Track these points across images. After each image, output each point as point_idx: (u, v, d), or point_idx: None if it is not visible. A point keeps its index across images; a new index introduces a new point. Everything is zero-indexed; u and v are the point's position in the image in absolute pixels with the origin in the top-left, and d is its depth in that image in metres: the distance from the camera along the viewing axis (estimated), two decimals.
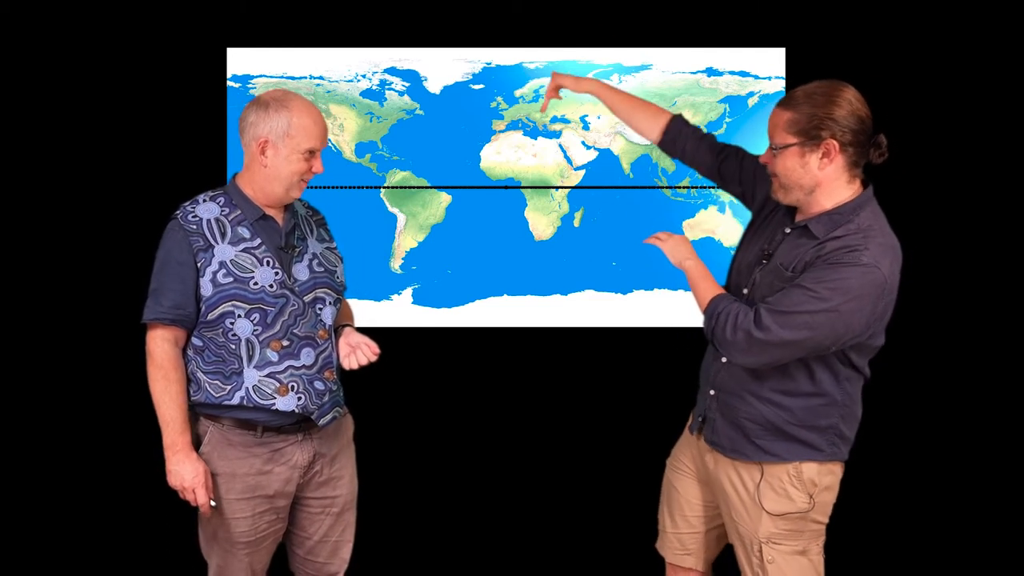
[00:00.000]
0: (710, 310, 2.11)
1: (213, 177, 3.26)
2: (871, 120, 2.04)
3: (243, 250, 2.15)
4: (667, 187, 3.36)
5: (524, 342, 3.39)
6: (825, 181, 2.04)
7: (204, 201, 2.18)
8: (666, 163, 3.36)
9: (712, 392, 2.24)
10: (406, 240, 3.37)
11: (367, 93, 3.33)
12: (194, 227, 2.14)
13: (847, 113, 2.00)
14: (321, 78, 3.31)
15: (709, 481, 2.31)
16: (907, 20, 3.24)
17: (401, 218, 3.37)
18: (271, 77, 3.30)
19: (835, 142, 2.00)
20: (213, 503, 2.16)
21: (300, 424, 2.23)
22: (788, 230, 2.14)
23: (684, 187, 3.36)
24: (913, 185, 3.17)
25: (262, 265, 2.15)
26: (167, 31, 3.23)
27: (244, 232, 2.16)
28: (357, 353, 2.23)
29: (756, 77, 3.30)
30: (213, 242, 2.14)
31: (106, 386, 3.28)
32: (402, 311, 3.38)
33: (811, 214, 2.09)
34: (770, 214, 2.25)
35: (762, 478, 2.16)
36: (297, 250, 2.23)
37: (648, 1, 3.30)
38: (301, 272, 2.22)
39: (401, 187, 3.35)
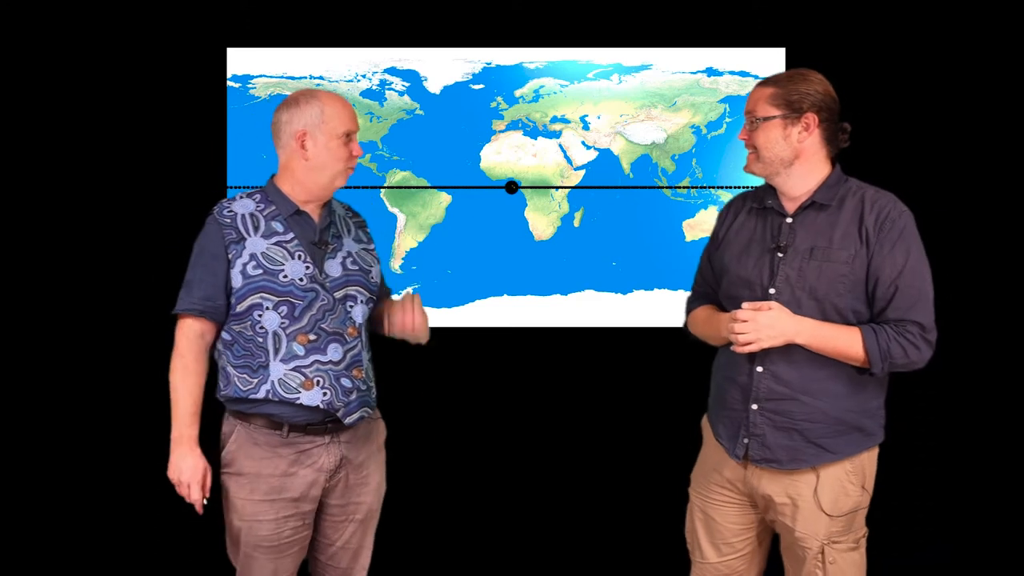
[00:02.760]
0: (873, 356, 2.05)
1: (213, 177, 3.26)
2: (839, 104, 2.17)
3: (275, 243, 2.17)
4: (667, 187, 3.37)
5: (524, 342, 3.39)
6: (804, 154, 2.13)
7: (240, 198, 2.22)
8: (666, 163, 3.36)
9: (755, 407, 2.15)
10: (406, 240, 3.37)
11: (367, 93, 3.33)
12: (228, 221, 2.17)
13: (823, 91, 2.13)
14: (321, 78, 3.31)
15: (755, 500, 2.24)
16: (907, 20, 3.24)
17: (401, 218, 3.37)
18: (271, 77, 3.30)
19: (814, 115, 2.11)
20: (206, 502, 2.15)
21: (327, 425, 2.22)
22: (790, 219, 2.16)
23: (684, 187, 3.36)
24: (913, 184, 3.17)
25: (293, 258, 2.17)
26: (167, 31, 3.23)
27: (277, 226, 2.19)
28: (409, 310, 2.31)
29: (756, 77, 3.30)
30: (245, 235, 2.16)
31: (106, 386, 3.28)
32: None
33: (797, 195, 2.16)
34: (729, 230, 2.29)
35: (818, 481, 2.13)
36: (331, 247, 2.24)
37: (648, 1, 3.30)
38: (333, 268, 2.23)
39: (401, 187, 3.35)
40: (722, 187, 3.34)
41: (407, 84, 3.34)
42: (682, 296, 3.33)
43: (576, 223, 3.38)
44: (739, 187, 3.32)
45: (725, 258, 2.26)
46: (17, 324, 3.27)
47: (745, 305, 2.08)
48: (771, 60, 3.30)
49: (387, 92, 3.34)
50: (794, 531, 2.15)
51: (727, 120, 3.34)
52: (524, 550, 3.42)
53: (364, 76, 3.33)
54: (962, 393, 3.33)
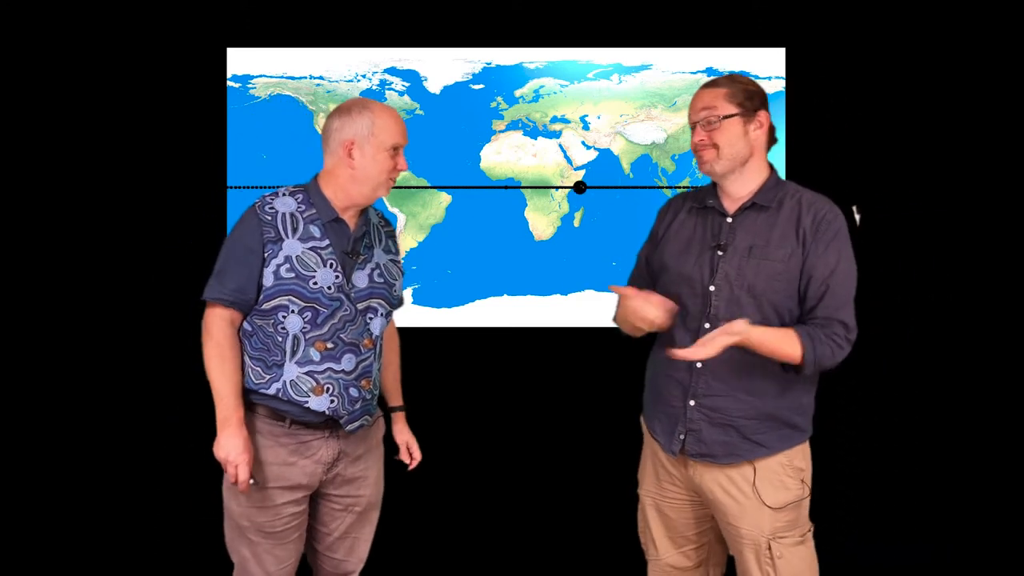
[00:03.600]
0: (808, 358, 2.09)
1: (213, 177, 3.26)
2: None
3: (310, 248, 2.20)
4: (667, 187, 3.37)
5: (524, 342, 3.39)
6: (756, 151, 2.20)
7: (284, 195, 2.24)
8: (666, 163, 3.36)
9: (692, 403, 2.21)
10: (406, 240, 3.37)
11: (367, 93, 3.33)
12: (269, 218, 2.19)
13: (762, 91, 2.22)
14: (321, 78, 3.32)
15: (700, 494, 2.29)
16: (907, 20, 3.24)
17: (401, 218, 3.37)
18: (271, 77, 3.30)
19: (766, 113, 2.20)
20: (253, 482, 2.18)
21: (328, 422, 2.26)
22: (730, 219, 2.21)
23: (684, 187, 3.36)
24: (913, 183, 3.18)
25: (325, 266, 2.20)
26: (167, 31, 3.23)
27: (315, 231, 2.21)
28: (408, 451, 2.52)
29: (756, 77, 3.30)
30: (284, 236, 2.18)
31: (106, 386, 3.28)
32: (402, 311, 3.37)
33: (739, 196, 2.21)
34: (669, 229, 2.32)
35: (755, 475, 2.18)
36: (362, 257, 2.28)
37: (648, 1, 3.30)
38: (361, 280, 2.26)
39: (401, 187, 3.36)
40: None
41: (407, 84, 3.34)
42: None
43: (576, 223, 3.38)
44: None
45: (665, 256, 2.30)
46: (18, 322, 3.27)
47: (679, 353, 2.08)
48: (771, 60, 3.30)
49: (387, 92, 3.34)
50: (740, 528, 2.20)
51: None
52: (522, 549, 3.42)
53: (364, 76, 3.33)
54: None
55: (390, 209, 3.36)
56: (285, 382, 2.19)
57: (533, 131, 3.36)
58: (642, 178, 3.37)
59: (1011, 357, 3.33)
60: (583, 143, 3.36)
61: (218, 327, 2.19)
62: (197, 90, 3.26)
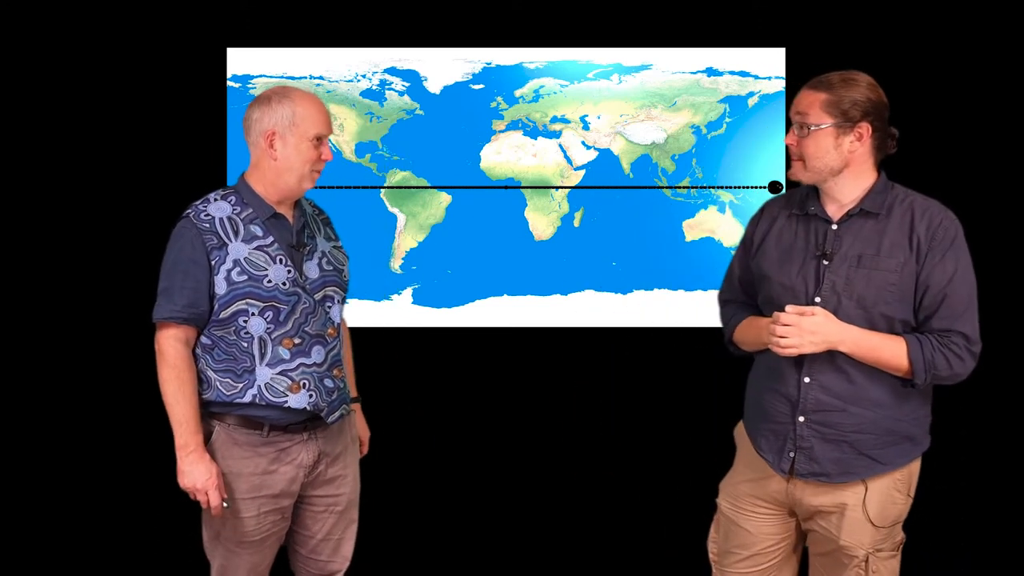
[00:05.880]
0: (917, 366, 2.02)
1: (213, 177, 3.26)
2: (889, 109, 2.12)
3: (256, 248, 2.16)
4: (667, 187, 3.36)
5: (524, 342, 3.39)
6: (853, 162, 2.08)
7: (215, 200, 2.19)
8: (666, 163, 3.36)
9: (802, 419, 2.10)
10: (406, 240, 3.37)
11: (367, 93, 3.33)
12: (207, 226, 2.14)
13: (876, 98, 2.08)
14: (321, 78, 3.31)
15: (794, 510, 2.20)
16: (907, 20, 3.24)
17: (401, 218, 3.37)
18: (271, 77, 3.30)
19: (868, 125, 2.06)
20: (226, 504, 2.16)
21: (306, 423, 2.24)
22: (835, 226, 2.11)
23: (684, 187, 3.36)
24: (913, 183, 3.17)
25: (275, 263, 2.17)
26: (167, 31, 3.23)
27: (257, 230, 2.17)
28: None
29: (756, 77, 3.30)
30: (227, 240, 2.14)
31: (107, 385, 3.28)
32: (402, 311, 3.38)
33: (844, 201, 2.11)
34: (766, 236, 2.22)
35: (867, 492, 2.10)
36: (307, 248, 2.25)
37: (648, 1, 3.30)
38: (312, 270, 2.24)
39: (401, 187, 3.35)
40: (722, 187, 3.34)
41: (407, 84, 3.34)
42: (682, 296, 3.34)
43: (576, 223, 3.38)
44: (739, 187, 3.32)
45: (764, 265, 2.19)
46: (16, 323, 3.27)
47: (789, 308, 2.03)
48: (771, 60, 3.30)
49: (387, 92, 3.34)
50: (839, 540, 2.12)
51: (727, 120, 3.34)
52: (522, 549, 3.42)
53: (364, 76, 3.33)
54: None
55: (390, 209, 3.36)
56: (260, 386, 2.16)
57: (533, 131, 3.36)
58: (642, 178, 3.37)
59: None
60: (583, 143, 3.36)
61: (172, 348, 2.14)
62: (197, 90, 3.26)
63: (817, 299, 2.08)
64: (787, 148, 2.14)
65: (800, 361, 2.09)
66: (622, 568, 3.36)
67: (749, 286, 2.29)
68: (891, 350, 2.03)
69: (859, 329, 2.04)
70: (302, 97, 2.18)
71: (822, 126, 2.05)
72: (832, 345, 2.02)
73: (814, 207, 2.14)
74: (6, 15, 3.18)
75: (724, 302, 2.38)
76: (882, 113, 2.09)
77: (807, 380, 2.09)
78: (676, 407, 3.37)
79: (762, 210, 2.30)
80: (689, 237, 3.36)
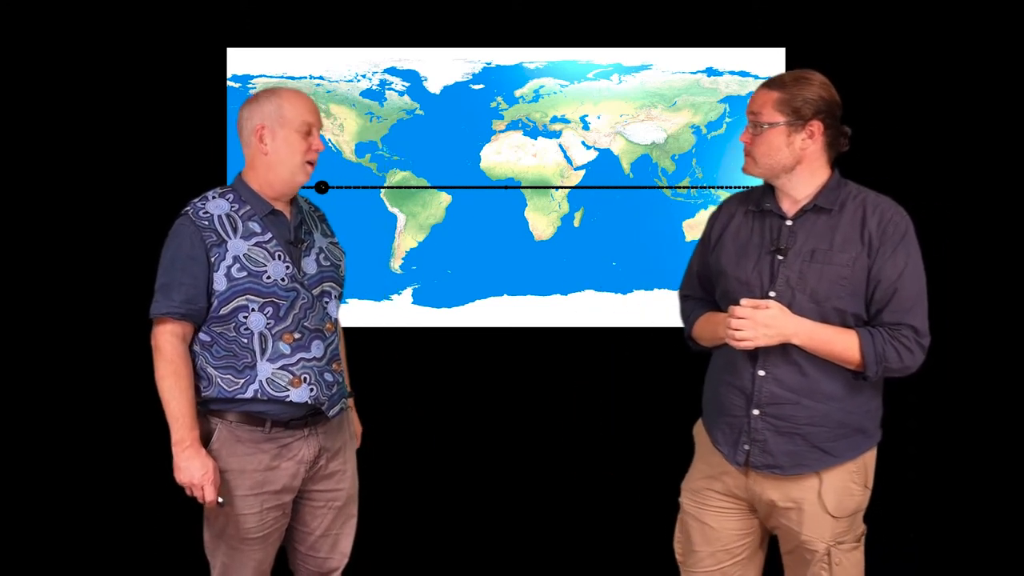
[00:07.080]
0: (869, 359, 2.05)
1: (213, 176, 3.26)
2: (842, 108, 2.15)
3: (255, 244, 2.18)
4: (667, 187, 3.37)
5: (524, 342, 3.39)
6: (806, 159, 2.12)
7: (213, 198, 2.21)
8: (666, 163, 3.36)
9: (756, 412, 2.13)
10: (406, 240, 3.37)
11: (367, 93, 3.33)
12: (206, 223, 2.16)
13: (828, 96, 2.11)
14: (321, 78, 3.31)
15: (755, 505, 2.22)
16: (907, 20, 3.24)
17: (401, 218, 3.37)
18: (271, 77, 3.30)
19: (819, 123, 2.09)
20: (220, 500, 2.16)
21: (307, 419, 2.26)
22: (790, 221, 2.15)
23: (684, 187, 3.36)
24: (912, 183, 3.17)
25: (274, 259, 2.19)
26: (167, 31, 3.23)
27: (255, 227, 2.19)
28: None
29: (756, 77, 3.30)
30: (226, 237, 2.16)
31: (107, 384, 3.28)
32: (402, 311, 3.38)
33: (798, 197, 2.15)
34: (724, 232, 2.26)
35: (821, 485, 2.12)
36: (305, 244, 2.27)
37: (648, 1, 3.30)
38: (309, 266, 2.26)
39: (401, 187, 3.35)
40: (722, 187, 3.34)
41: (407, 84, 3.34)
42: None
43: (576, 223, 3.38)
44: (739, 187, 3.32)
45: (721, 261, 2.23)
46: (16, 321, 3.27)
47: (744, 302, 2.08)
48: (771, 60, 3.30)
49: (387, 92, 3.34)
50: (800, 535, 2.14)
51: (727, 120, 3.34)
52: (521, 549, 3.42)
53: (364, 76, 3.33)
54: (951, 394, 3.33)
55: (390, 209, 3.36)
56: (261, 381, 2.17)
57: (533, 131, 3.36)
58: (642, 178, 3.37)
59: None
60: (583, 143, 3.36)
61: (170, 344, 2.15)
62: (197, 90, 3.26)
63: (772, 293, 2.12)
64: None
65: (754, 354, 2.12)
66: (622, 568, 3.36)
67: (707, 282, 2.32)
68: (843, 343, 2.06)
69: (812, 322, 2.08)
70: (288, 91, 2.22)
71: (774, 124, 2.10)
72: (786, 338, 2.06)
73: (769, 203, 2.19)
74: (6, 15, 3.18)
75: (683, 298, 2.42)
76: (834, 111, 2.12)
77: (761, 373, 2.12)
78: (676, 407, 3.36)
79: (721, 207, 2.35)
80: (689, 237, 3.36)
